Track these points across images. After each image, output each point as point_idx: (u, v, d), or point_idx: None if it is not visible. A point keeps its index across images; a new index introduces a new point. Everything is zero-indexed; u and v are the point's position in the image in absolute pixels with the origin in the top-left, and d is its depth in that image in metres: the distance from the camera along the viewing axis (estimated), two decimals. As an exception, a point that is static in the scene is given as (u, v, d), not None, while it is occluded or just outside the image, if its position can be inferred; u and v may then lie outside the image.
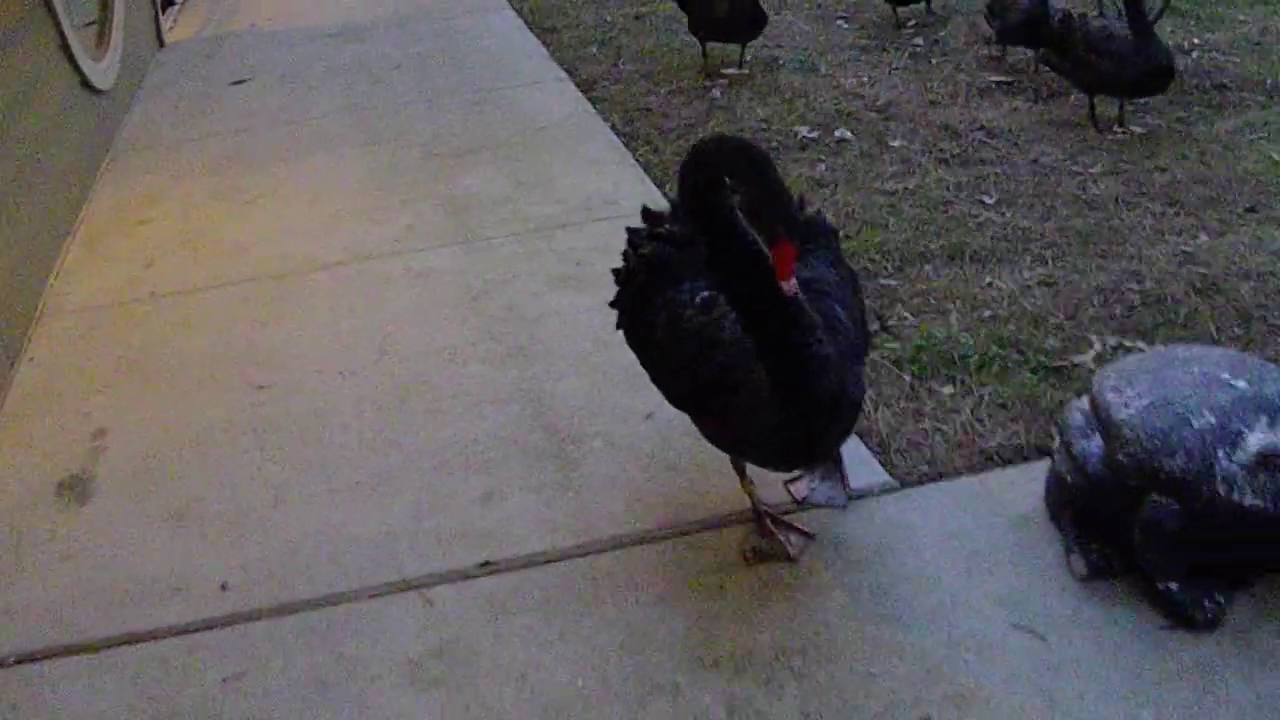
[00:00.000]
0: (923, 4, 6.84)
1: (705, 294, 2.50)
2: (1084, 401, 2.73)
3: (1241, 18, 7.09)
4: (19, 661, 2.63)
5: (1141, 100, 5.44)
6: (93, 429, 3.49)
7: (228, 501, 3.09)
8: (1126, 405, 2.58)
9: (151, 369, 3.79)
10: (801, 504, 2.83)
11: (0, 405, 3.67)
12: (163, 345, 3.92)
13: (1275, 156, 4.94)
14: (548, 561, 2.74)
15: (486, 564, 2.75)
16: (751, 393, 2.35)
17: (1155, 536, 2.50)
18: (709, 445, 2.64)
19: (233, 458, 3.27)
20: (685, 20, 6.26)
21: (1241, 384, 2.58)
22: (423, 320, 3.88)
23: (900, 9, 6.80)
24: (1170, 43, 6.46)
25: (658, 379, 2.68)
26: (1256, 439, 2.45)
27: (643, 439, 3.14)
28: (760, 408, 2.33)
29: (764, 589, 2.60)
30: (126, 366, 3.81)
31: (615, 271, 2.80)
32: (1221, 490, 2.43)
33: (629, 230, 2.80)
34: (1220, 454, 2.45)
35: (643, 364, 2.72)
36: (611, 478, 3.01)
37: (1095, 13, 5.66)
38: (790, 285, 2.22)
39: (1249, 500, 2.43)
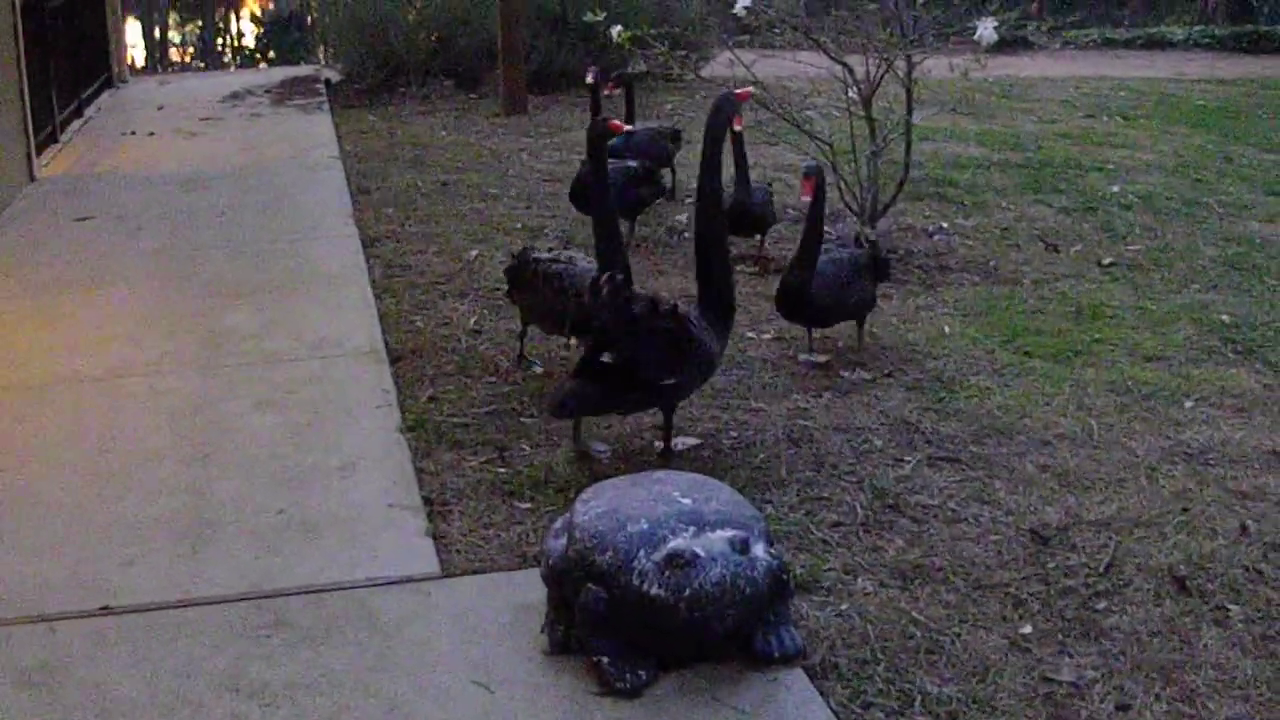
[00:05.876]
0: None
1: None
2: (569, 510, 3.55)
3: (1005, 205, 8.02)
4: None
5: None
6: None
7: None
8: (585, 512, 3.36)
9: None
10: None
11: None
12: (-68, 433, 4.72)
13: (946, 330, 5.74)
14: (147, 611, 3.53)
15: (105, 608, 3.54)
16: None
17: (589, 617, 3.23)
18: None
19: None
20: (480, 187, 7.15)
21: (686, 501, 3.32)
22: (143, 428, 4.69)
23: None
24: (919, 225, 7.44)
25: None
26: (673, 544, 3.24)
27: (267, 528, 3.94)
28: None
29: (294, 644, 3.37)
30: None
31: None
32: (635, 582, 3.15)
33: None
34: (641, 553, 3.17)
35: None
36: (230, 555, 3.80)
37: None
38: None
39: (654, 590, 3.17)
